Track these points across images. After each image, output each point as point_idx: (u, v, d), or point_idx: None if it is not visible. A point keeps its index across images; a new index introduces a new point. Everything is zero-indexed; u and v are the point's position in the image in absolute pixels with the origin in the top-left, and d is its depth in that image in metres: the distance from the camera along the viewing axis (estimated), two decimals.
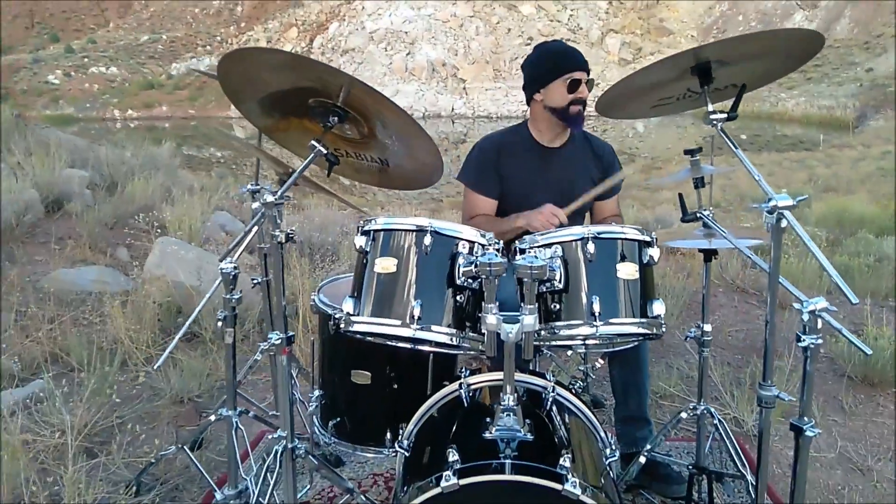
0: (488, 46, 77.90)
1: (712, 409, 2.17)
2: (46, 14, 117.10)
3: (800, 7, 77.85)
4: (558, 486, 1.36)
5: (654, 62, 1.58)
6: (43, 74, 78.12)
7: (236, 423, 2.17)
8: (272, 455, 1.99)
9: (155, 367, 2.15)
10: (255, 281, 2.64)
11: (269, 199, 1.76)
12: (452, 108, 69.67)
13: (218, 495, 2.17)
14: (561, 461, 1.43)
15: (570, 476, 1.38)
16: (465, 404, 1.81)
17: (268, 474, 2.10)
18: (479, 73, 73.32)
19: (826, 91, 58.63)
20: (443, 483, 1.39)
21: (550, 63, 2.39)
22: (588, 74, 2.36)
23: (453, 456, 1.47)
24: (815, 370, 3.40)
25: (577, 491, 1.36)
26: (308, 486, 2.40)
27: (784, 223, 1.47)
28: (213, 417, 2.23)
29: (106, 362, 3.22)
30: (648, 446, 2.21)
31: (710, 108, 1.62)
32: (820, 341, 1.56)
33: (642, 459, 2.19)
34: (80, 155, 7.97)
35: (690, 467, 2.20)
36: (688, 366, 3.51)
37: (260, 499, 2.03)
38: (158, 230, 5.51)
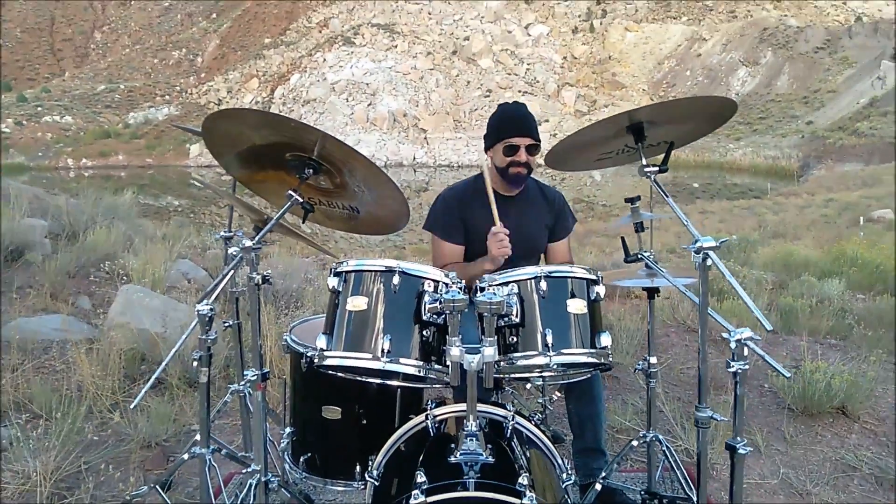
0: (448, 98, 79.83)
1: (661, 437, 2.33)
2: None
3: (743, 64, 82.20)
4: (517, 502, 1.50)
5: (595, 122, 1.80)
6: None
7: (209, 459, 2.24)
8: (246, 488, 2.07)
9: (131, 407, 2.20)
10: (226, 324, 2.74)
11: (248, 243, 1.90)
12: (414, 158, 70.74)
13: None
14: (520, 480, 1.57)
15: (527, 492, 1.52)
16: (432, 434, 1.94)
17: None
18: (439, 124, 74.86)
19: (771, 142, 61.65)
20: (412, 501, 1.51)
21: (494, 127, 2.61)
22: (533, 139, 2.52)
23: (421, 478, 1.59)
24: (760, 403, 3.61)
25: None
26: None
27: (709, 262, 1.68)
28: (185, 456, 2.29)
29: (71, 409, 3.23)
30: (603, 474, 2.35)
31: (644, 161, 1.84)
32: (747, 367, 1.75)
33: (598, 487, 2.33)
34: (38, 204, 7.91)
35: (643, 493, 2.35)
36: (641, 401, 3.68)
37: None
38: (123, 278, 5.51)
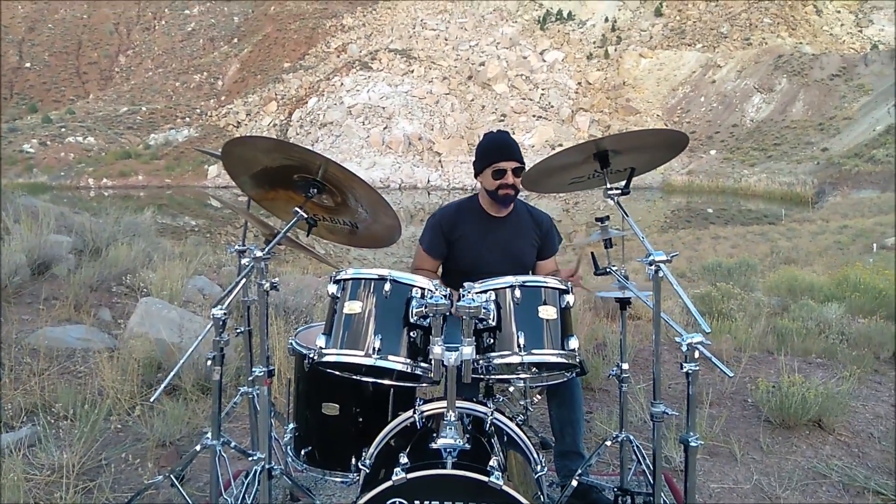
0: (463, 122, 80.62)
1: (632, 437, 2.53)
2: (27, 85, 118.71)
3: (757, 91, 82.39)
4: (485, 479, 1.72)
5: (564, 149, 2.05)
6: (18, 143, 78.63)
7: (219, 451, 2.47)
8: (251, 475, 2.30)
9: (152, 399, 2.43)
10: (238, 331, 2.98)
11: (259, 254, 2.16)
12: (428, 181, 71.33)
13: None
14: (491, 463, 1.80)
15: (496, 471, 1.74)
16: (419, 427, 2.16)
17: (246, 496, 2.40)
18: (454, 148, 75.52)
19: (786, 168, 61.57)
20: (393, 477, 1.74)
21: (482, 154, 2.86)
22: (518, 162, 2.75)
23: (404, 459, 1.82)
24: (742, 416, 3.79)
25: (500, 482, 1.72)
26: None
27: (661, 273, 1.90)
28: (198, 447, 2.53)
29: (93, 410, 3.48)
30: (579, 471, 2.55)
31: (608, 185, 2.08)
32: (697, 368, 1.97)
33: (574, 483, 2.53)
34: (63, 221, 8.28)
35: (616, 490, 2.55)
36: (629, 412, 3.87)
37: None
38: (143, 291, 5.80)
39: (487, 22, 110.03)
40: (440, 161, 74.59)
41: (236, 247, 3.03)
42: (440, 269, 3.03)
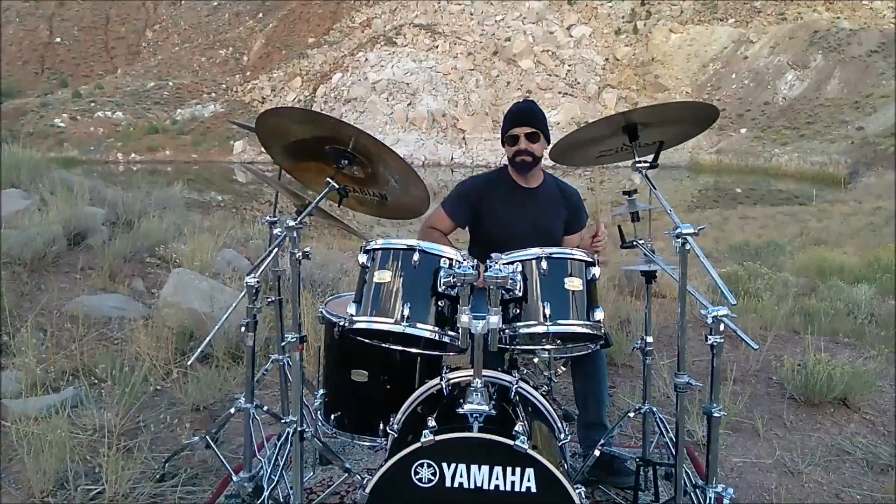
0: (488, 99, 79.91)
1: (654, 409, 2.57)
2: (57, 60, 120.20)
3: (791, 67, 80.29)
4: (510, 442, 1.77)
5: (593, 122, 2.06)
6: (49, 118, 79.86)
7: (253, 413, 2.56)
8: (283, 437, 2.38)
9: (188, 363, 2.53)
10: (269, 300, 3.06)
11: (291, 223, 2.21)
12: (452, 158, 71.06)
13: (235, 478, 2.55)
14: (516, 428, 1.85)
15: (521, 436, 1.79)
16: (445, 394, 2.22)
17: (279, 458, 2.50)
18: (478, 124, 75.00)
19: (818, 148, 60.14)
20: (422, 439, 1.80)
21: (503, 124, 2.90)
22: (532, 127, 2.79)
23: (432, 423, 1.88)
24: (766, 393, 3.80)
25: (525, 446, 1.77)
26: (311, 475, 2.77)
27: (688, 246, 1.92)
28: (232, 410, 2.62)
29: (129, 375, 3.61)
30: (602, 441, 2.60)
31: (637, 158, 2.09)
32: (722, 340, 1.99)
33: (597, 453, 2.58)
34: (96, 195, 8.46)
35: (638, 460, 2.59)
36: (653, 387, 3.90)
37: (272, 476, 2.41)
38: (176, 263, 5.94)
39: None
40: (464, 138, 74.19)
41: (267, 217, 3.11)
42: (467, 239, 3.08)
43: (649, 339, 2.54)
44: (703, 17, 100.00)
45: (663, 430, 2.53)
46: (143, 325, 4.36)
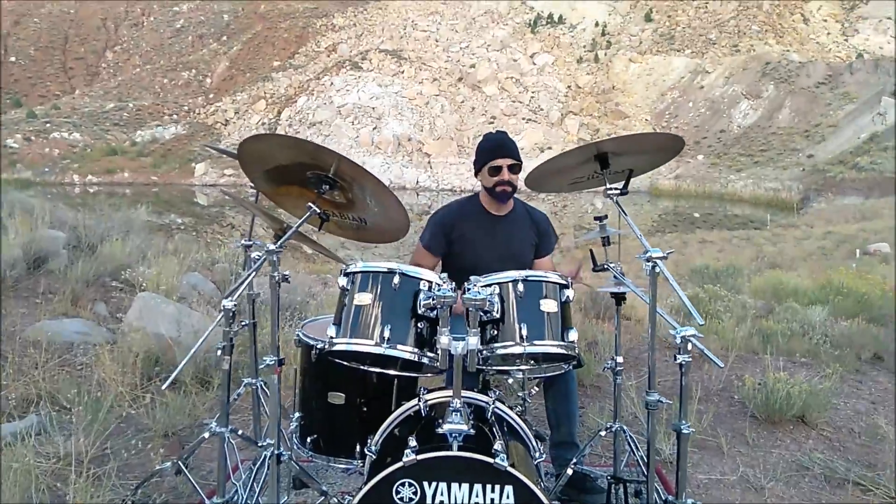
0: (453, 124, 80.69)
1: (625, 428, 2.64)
2: (12, 79, 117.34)
3: (745, 97, 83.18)
4: (491, 460, 1.82)
5: (567, 150, 2.16)
6: (1, 138, 77.62)
7: (227, 437, 2.55)
8: (260, 461, 2.38)
9: (163, 387, 2.49)
10: (243, 323, 3.06)
11: (271, 247, 2.24)
12: (417, 181, 71.36)
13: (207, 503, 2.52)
14: (495, 447, 1.89)
15: (500, 454, 1.84)
16: (423, 415, 2.26)
17: (254, 484, 2.49)
18: (443, 149, 75.57)
19: (772, 174, 62.18)
20: (404, 458, 1.83)
21: (480, 153, 2.98)
22: (514, 159, 2.88)
23: (413, 443, 1.91)
24: (729, 412, 3.92)
25: (505, 464, 1.82)
26: (285, 499, 2.75)
27: (657, 269, 2.01)
28: (206, 434, 2.60)
29: (94, 402, 3.54)
30: (574, 460, 2.66)
31: (608, 185, 2.18)
32: (690, 359, 2.08)
33: (570, 472, 2.64)
34: (56, 218, 8.29)
35: (609, 478, 2.65)
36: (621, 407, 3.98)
37: (248, 501, 2.40)
38: (142, 286, 5.85)
39: (478, 24, 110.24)
40: (429, 162, 74.62)
41: (243, 241, 3.12)
42: (439, 267, 3.13)
43: (619, 360, 2.62)
44: (661, 47, 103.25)
45: (633, 447, 2.60)
46: (108, 351, 4.28)
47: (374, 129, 78.47)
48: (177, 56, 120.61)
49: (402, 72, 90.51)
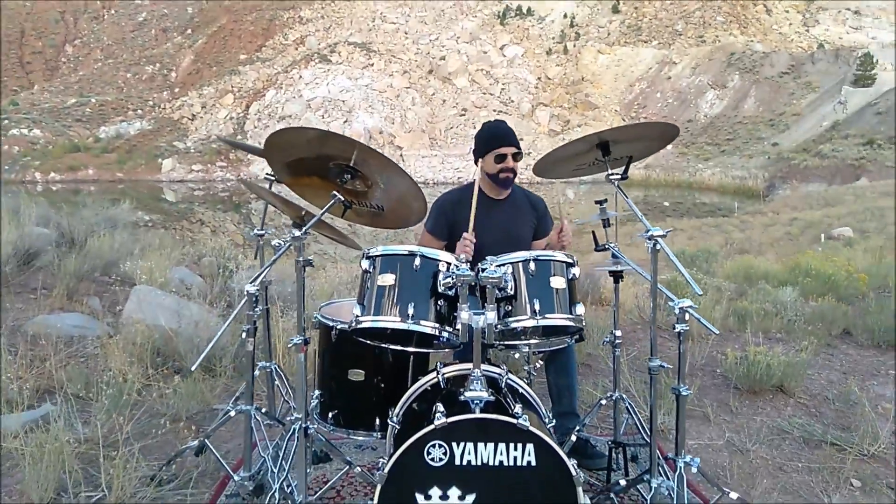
0: (424, 116, 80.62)
1: (624, 396, 2.85)
2: None
3: (711, 87, 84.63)
4: (514, 421, 2.01)
5: (573, 140, 2.35)
6: None
7: (253, 414, 2.70)
8: (289, 434, 2.54)
9: (193, 368, 2.63)
10: (257, 310, 3.20)
11: (297, 233, 2.39)
12: None
13: (236, 477, 2.67)
14: (515, 409, 2.08)
15: (522, 415, 2.03)
16: (442, 386, 2.43)
17: (281, 458, 2.64)
18: (415, 142, 75.53)
19: (738, 163, 63.50)
20: (436, 421, 2.00)
21: (484, 141, 3.16)
22: (517, 148, 3.10)
23: (441, 408, 2.09)
24: (713, 384, 4.16)
25: (528, 424, 2.00)
26: (308, 472, 2.91)
27: (658, 247, 2.21)
28: (232, 413, 2.75)
29: (105, 390, 3.64)
30: (577, 427, 2.86)
31: (610, 171, 2.38)
32: (687, 328, 2.29)
33: (573, 438, 2.84)
34: (38, 214, 8.25)
35: (610, 443, 2.87)
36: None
37: (277, 472, 2.55)
38: (142, 279, 5.92)
39: (447, 16, 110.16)
40: (402, 155, 74.51)
41: (256, 231, 3.26)
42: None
43: (618, 333, 2.83)
44: (628, 38, 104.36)
45: (633, 413, 2.81)
46: (112, 342, 4.37)
47: (345, 122, 78.04)
48: (140, 50, 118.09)
49: (372, 64, 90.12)
